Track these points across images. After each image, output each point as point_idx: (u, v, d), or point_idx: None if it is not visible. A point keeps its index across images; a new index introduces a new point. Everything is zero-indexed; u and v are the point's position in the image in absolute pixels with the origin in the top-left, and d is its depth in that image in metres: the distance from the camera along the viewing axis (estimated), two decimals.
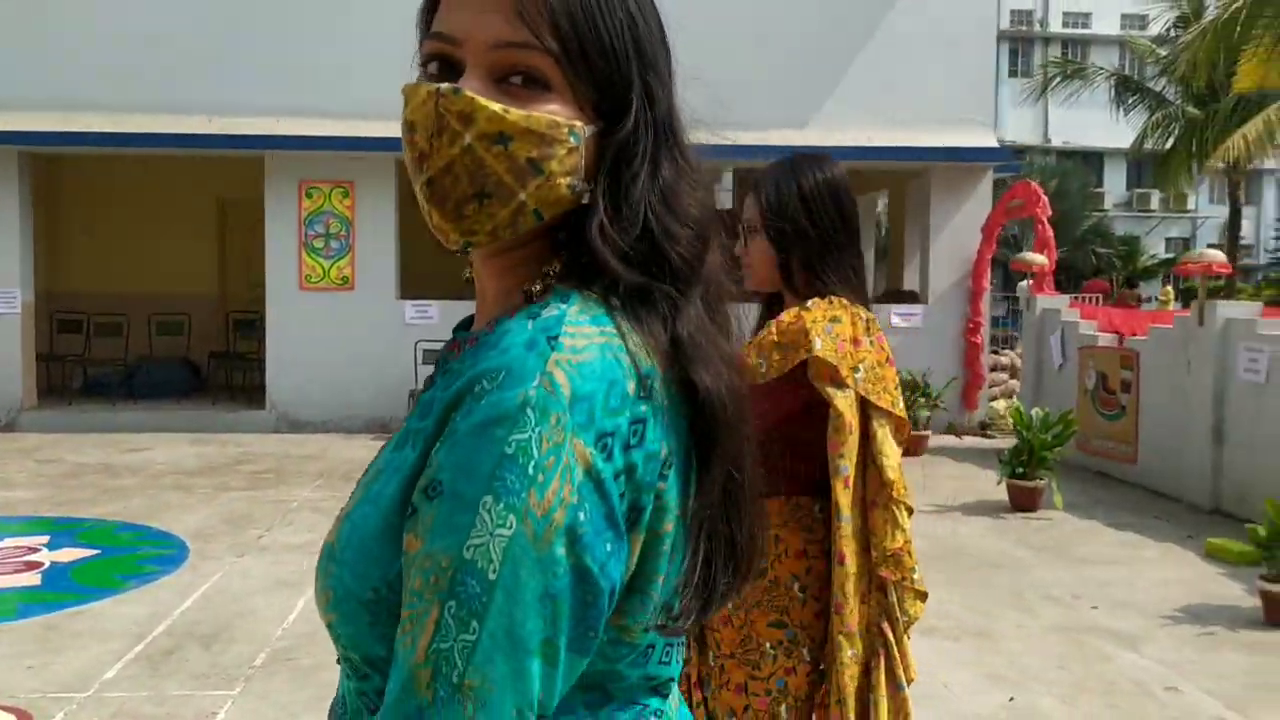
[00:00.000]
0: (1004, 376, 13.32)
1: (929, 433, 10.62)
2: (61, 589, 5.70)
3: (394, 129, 7.94)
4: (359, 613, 0.86)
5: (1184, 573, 6.25)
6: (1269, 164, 34.54)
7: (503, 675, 0.78)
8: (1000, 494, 8.02)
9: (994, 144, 12.27)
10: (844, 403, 2.04)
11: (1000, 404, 12.27)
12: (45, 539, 6.71)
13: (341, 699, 0.96)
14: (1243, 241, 36.25)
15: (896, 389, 2.15)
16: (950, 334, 12.01)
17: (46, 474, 8.92)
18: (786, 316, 2.12)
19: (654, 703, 0.95)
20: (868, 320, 2.14)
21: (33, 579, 5.87)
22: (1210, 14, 17.04)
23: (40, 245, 12.45)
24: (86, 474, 8.93)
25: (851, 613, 2.06)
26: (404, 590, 0.81)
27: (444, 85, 0.86)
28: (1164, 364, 8.56)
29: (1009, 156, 13.41)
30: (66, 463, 9.45)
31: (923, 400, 10.47)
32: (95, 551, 6.47)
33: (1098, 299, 18.23)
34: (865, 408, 2.09)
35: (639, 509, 0.85)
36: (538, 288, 0.90)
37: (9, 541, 6.63)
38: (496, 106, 0.86)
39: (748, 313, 0.91)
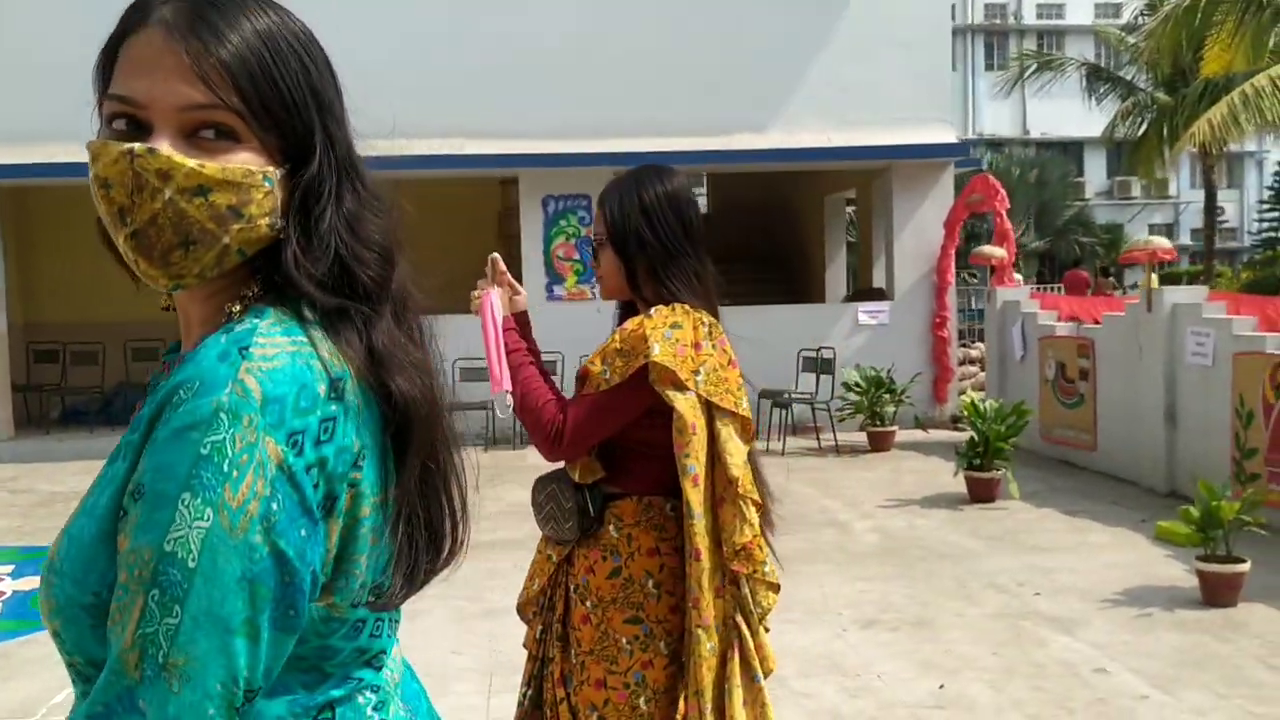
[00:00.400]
0: (974, 370, 13.41)
1: (895, 429, 10.71)
2: (20, 616, 5.78)
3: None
4: (80, 617, 0.94)
5: (1130, 556, 6.35)
6: (1249, 146, 34.82)
7: (205, 652, 0.86)
8: (960, 486, 8.11)
9: (953, 140, 12.40)
10: (685, 405, 2.13)
11: (971, 396, 12.36)
12: (10, 568, 6.79)
13: (75, 704, 1.05)
14: (1226, 224, 36.49)
15: (740, 390, 2.24)
16: (918, 329, 12.11)
17: (19, 504, 9.01)
18: (630, 324, 2.22)
19: (367, 675, 1.05)
20: (710, 325, 2.24)
21: None
22: (1172, 1, 17.19)
23: (13, 277, 12.54)
24: (58, 502, 9.01)
25: (708, 606, 2.15)
26: (115, 586, 0.90)
27: (138, 146, 0.93)
28: (1118, 351, 8.67)
29: (967, 151, 13.54)
30: (39, 492, 9.53)
31: (888, 396, 10.56)
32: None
33: (1088, 288, 18.32)
34: (710, 409, 2.18)
35: (333, 497, 0.95)
36: (237, 308, 1.00)
37: None
38: (193, 163, 0.94)
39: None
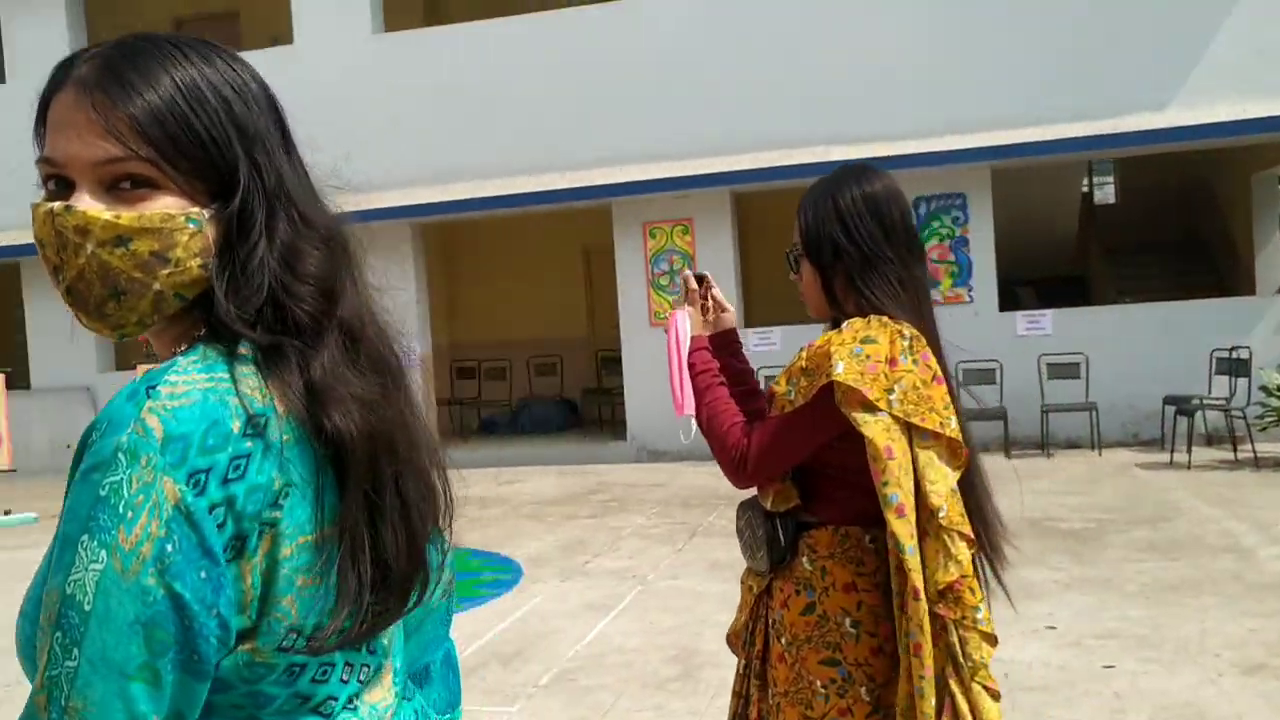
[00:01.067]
0: None
1: None
2: None
3: (722, 165, 8.23)
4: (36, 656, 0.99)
5: None
6: None
7: (103, 697, 0.88)
8: None
9: None
10: (875, 428, 1.94)
11: None
12: None
13: None
14: None
15: (947, 408, 2.01)
16: None
17: None
18: (819, 340, 2.06)
19: None
20: (912, 338, 2.03)
21: None
22: None
23: (441, 302, 14.12)
24: (463, 506, 9.93)
25: (928, 655, 1.93)
26: None
27: (56, 204, 0.98)
28: None
29: None
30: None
31: None
32: None
33: None
34: (910, 430, 1.98)
35: (243, 537, 0.93)
36: (183, 348, 1.02)
37: None
38: (108, 214, 0.96)
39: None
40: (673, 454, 12.02)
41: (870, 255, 2.09)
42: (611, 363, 14.26)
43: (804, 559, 2.07)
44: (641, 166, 11.98)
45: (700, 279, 2.34)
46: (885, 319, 2.04)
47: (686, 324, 2.24)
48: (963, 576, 1.96)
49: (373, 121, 12.83)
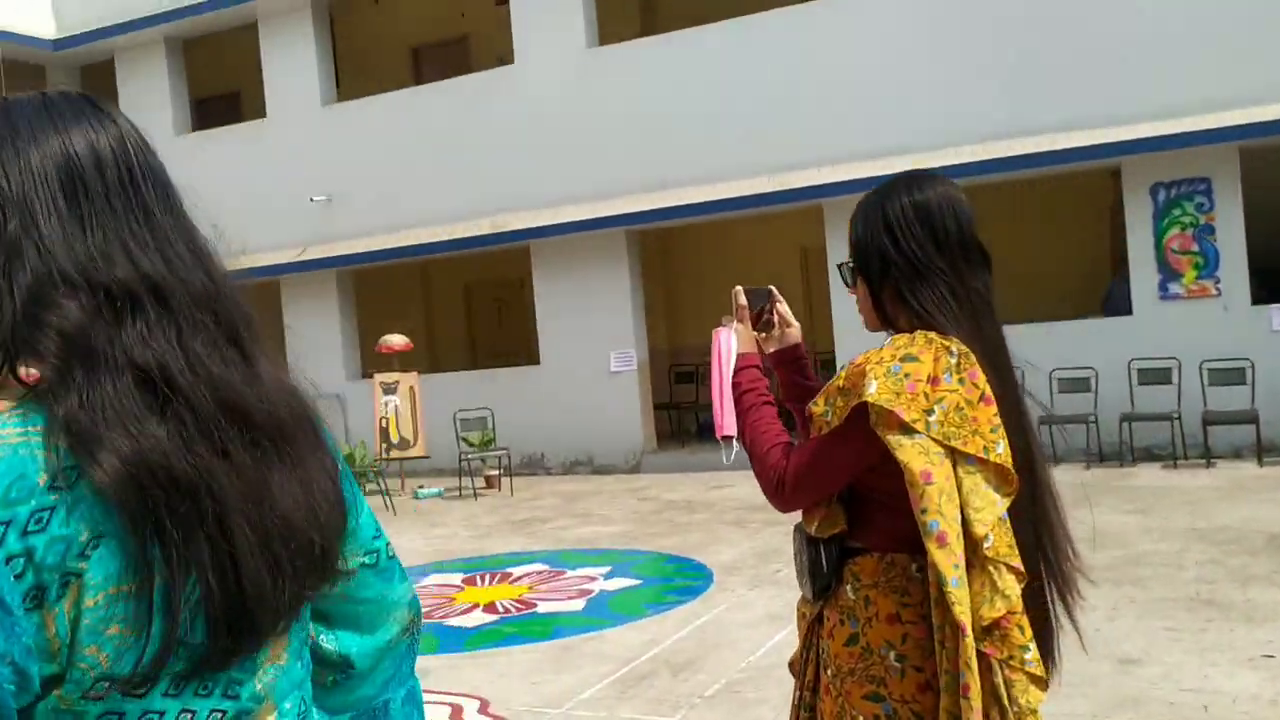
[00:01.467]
0: None
1: None
2: (596, 615, 6.55)
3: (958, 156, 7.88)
4: None
5: None
6: None
7: None
8: None
9: None
10: (911, 452, 1.80)
11: None
12: (607, 569, 7.73)
13: None
14: None
15: (994, 431, 1.84)
16: None
17: (639, 510, 10.21)
18: (859, 357, 1.94)
19: None
20: (960, 355, 1.87)
21: (577, 605, 6.83)
22: None
23: (658, 306, 14.30)
24: (668, 510, 10.05)
25: (976, 696, 1.79)
26: None
27: None
28: None
29: None
30: (659, 500, 10.71)
31: None
32: (638, 582, 7.31)
33: None
34: (954, 455, 1.83)
35: (42, 588, 0.96)
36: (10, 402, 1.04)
37: (580, 571, 7.76)
38: None
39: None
40: None
41: (920, 267, 1.96)
42: (831, 366, 14.00)
43: (848, 587, 1.96)
44: (849, 166, 11.71)
45: (766, 294, 2.26)
46: (932, 335, 1.90)
47: (732, 341, 2.16)
48: (1010, 613, 1.81)
49: (588, 132, 13.17)
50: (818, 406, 1.95)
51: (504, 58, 14.34)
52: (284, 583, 1.07)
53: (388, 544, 1.32)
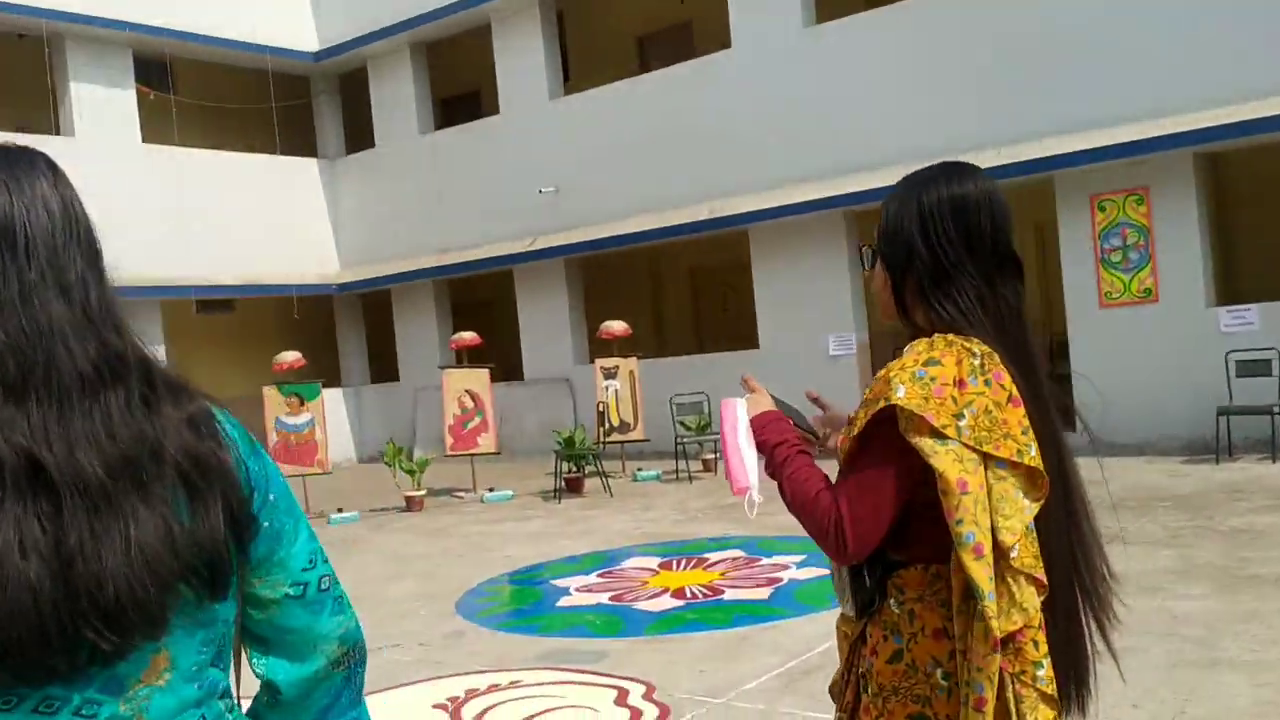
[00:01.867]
0: None
1: None
2: (779, 604, 6.51)
3: (1186, 123, 7.62)
4: None
5: None
6: None
7: None
8: None
9: None
10: (946, 459, 1.70)
11: None
12: (801, 558, 7.63)
13: None
14: None
15: (1025, 433, 1.72)
16: None
17: None
18: (881, 371, 1.85)
19: None
20: (983, 356, 1.76)
21: (762, 594, 6.80)
22: None
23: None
24: None
25: (990, 711, 1.70)
26: None
27: None
28: None
29: None
30: None
31: None
32: (828, 572, 7.17)
33: None
34: (985, 460, 1.73)
35: None
36: None
37: (774, 559, 7.71)
38: None
39: None
40: (1129, 447, 10.90)
41: (946, 265, 1.84)
42: (1065, 349, 13.22)
43: (892, 601, 1.87)
44: (1085, 135, 10.98)
45: (795, 413, 2.10)
46: (951, 336, 1.79)
47: (740, 410, 2.05)
48: (1026, 626, 1.70)
49: (805, 114, 12.99)
50: (847, 433, 1.86)
51: (725, 42, 14.36)
52: (75, 626, 1.05)
53: (323, 577, 1.31)
